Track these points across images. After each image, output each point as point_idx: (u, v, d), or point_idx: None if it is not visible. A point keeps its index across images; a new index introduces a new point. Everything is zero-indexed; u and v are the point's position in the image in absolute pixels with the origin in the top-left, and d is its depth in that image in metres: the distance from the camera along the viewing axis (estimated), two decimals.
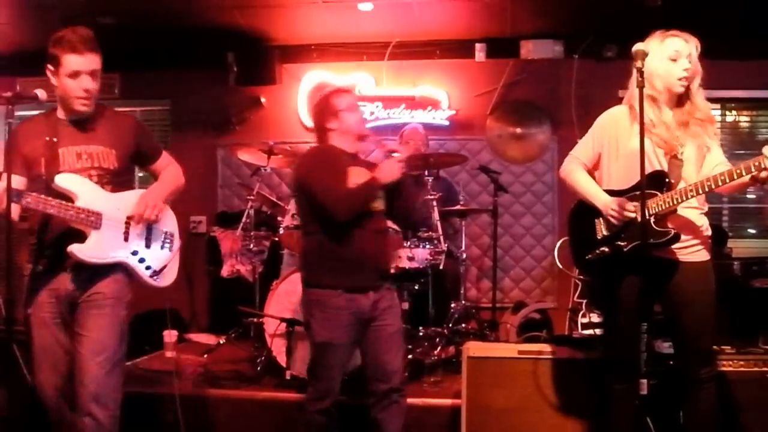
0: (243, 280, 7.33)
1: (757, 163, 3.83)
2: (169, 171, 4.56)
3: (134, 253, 4.21)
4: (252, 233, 6.98)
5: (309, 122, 9.20)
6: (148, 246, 4.28)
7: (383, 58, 8.97)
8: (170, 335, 7.25)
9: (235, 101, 9.30)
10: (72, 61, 3.98)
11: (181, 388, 5.66)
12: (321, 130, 4.89)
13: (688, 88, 4.24)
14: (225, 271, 7.40)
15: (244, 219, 7.03)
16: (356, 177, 4.62)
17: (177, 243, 4.49)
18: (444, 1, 7.90)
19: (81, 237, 4.03)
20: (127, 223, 4.18)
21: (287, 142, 8.49)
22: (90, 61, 4.02)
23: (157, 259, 4.33)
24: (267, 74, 9.12)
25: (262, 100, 9.32)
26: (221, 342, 7.08)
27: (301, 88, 9.25)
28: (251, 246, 6.96)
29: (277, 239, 6.90)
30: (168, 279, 4.42)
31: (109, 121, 4.27)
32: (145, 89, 9.49)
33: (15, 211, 3.89)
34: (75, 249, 3.97)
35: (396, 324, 4.74)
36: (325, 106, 4.85)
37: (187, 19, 8.21)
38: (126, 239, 4.17)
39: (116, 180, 4.20)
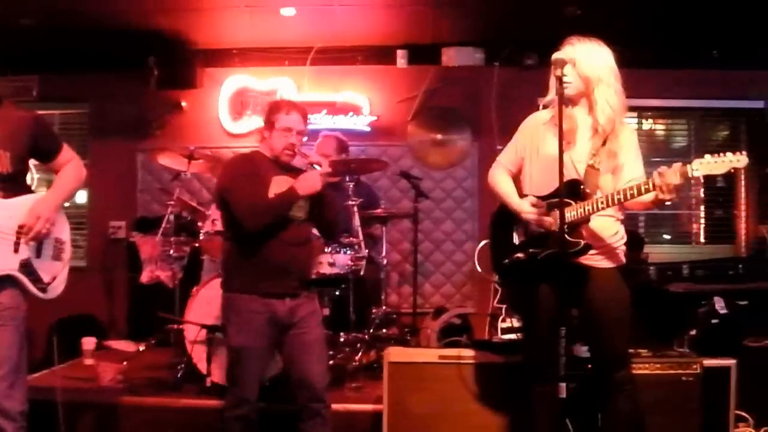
0: (163, 286, 7.26)
1: (647, 186, 3.92)
2: (67, 170, 4.42)
3: (24, 263, 4.06)
4: (172, 239, 6.91)
5: (230, 127, 9.16)
6: (38, 256, 4.15)
7: (305, 64, 8.96)
8: (89, 342, 7.16)
9: (156, 105, 9.20)
10: None
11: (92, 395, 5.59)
12: (262, 130, 4.93)
13: (588, 98, 4.30)
14: (144, 277, 7.32)
15: (164, 224, 6.96)
16: (277, 187, 4.62)
17: (68, 252, 4.38)
18: (366, 8, 7.93)
19: None
20: (18, 233, 4.04)
21: (208, 147, 8.45)
22: None
23: (47, 271, 4.20)
24: (188, 78, 9.04)
25: (183, 104, 9.24)
26: (141, 349, 7.02)
27: (222, 93, 9.20)
28: (171, 252, 6.89)
29: (197, 245, 6.85)
30: (56, 291, 4.28)
31: (5, 118, 4.09)
32: (64, 92, 9.34)
33: None
34: None
35: (316, 332, 4.74)
36: (269, 113, 4.85)
37: (108, 22, 8.11)
38: (16, 250, 4.03)
39: (9, 185, 4.05)
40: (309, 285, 4.82)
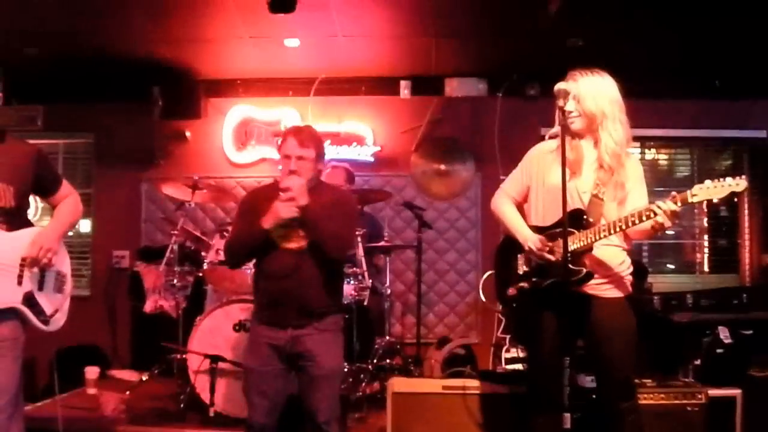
0: (166, 315, 7.27)
1: (648, 213, 3.93)
2: (67, 204, 4.42)
3: (27, 296, 4.06)
4: (176, 268, 6.92)
5: (234, 157, 9.18)
6: (41, 288, 4.15)
7: (309, 94, 8.99)
8: (92, 371, 7.15)
9: (160, 135, 9.23)
10: None
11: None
12: None
13: (593, 133, 4.32)
14: (148, 307, 7.33)
15: (167, 254, 6.98)
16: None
17: (69, 285, 4.38)
18: (369, 39, 7.97)
19: None
20: (22, 265, 4.04)
21: (212, 176, 8.48)
22: None
23: (50, 303, 4.20)
24: (192, 108, 9.07)
25: (187, 134, 9.27)
26: (144, 378, 6.99)
27: (226, 123, 9.23)
28: (175, 281, 6.90)
29: (201, 275, 6.85)
30: (58, 323, 4.28)
31: (8, 152, 4.08)
32: (69, 122, 9.38)
33: None
34: None
35: (325, 367, 4.62)
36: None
37: (113, 52, 8.16)
38: (19, 282, 4.03)
39: (12, 218, 4.06)
40: (319, 315, 4.66)
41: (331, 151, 8.84)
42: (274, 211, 4.48)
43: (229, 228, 6.03)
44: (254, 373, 4.67)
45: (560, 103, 3.93)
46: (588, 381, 5.06)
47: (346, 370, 6.44)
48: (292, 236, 4.59)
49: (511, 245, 4.48)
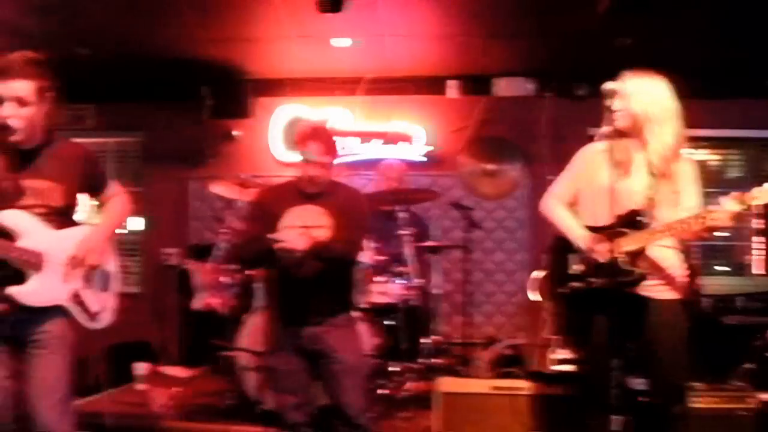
0: (215, 313, 7.30)
1: (704, 215, 3.89)
2: (115, 203, 4.44)
3: (74, 294, 4.08)
4: (225, 266, 6.95)
5: (281, 156, 9.22)
6: (87, 287, 4.17)
7: (357, 93, 9.01)
8: (141, 367, 7.21)
9: (209, 134, 9.30)
10: None
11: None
12: None
13: (641, 131, 4.28)
14: (197, 304, 7.35)
15: (216, 252, 7.02)
16: (291, 219, 4.63)
17: (116, 283, 4.40)
18: (417, 38, 7.97)
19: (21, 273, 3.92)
20: (69, 264, 4.06)
21: (260, 175, 8.49)
22: (12, 87, 3.80)
23: (96, 301, 4.22)
24: (241, 108, 9.13)
25: (235, 133, 9.33)
26: (193, 375, 7.03)
27: (274, 122, 9.28)
28: (224, 279, 6.93)
29: (249, 273, 6.88)
30: (104, 321, 4.29)
31: (59, 152, 4.10)
32: (118, 121, 9.50)
33: None
34: (15, 292, 3.85)
35: (348, 361, 4.66)
36: (297, 143, 4.88)
37: (163, 52, 8.22)
38: (66, 281, 4.05)
39: (60, 217, 4.08)
40: (332, 312, 4.72)
41: (380, 151, 8.85)
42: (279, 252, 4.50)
43: None
44: (279, 373, 4.73)
45: (608, 102, 3.91)
46: (638, 383, 5.02)
47: (393, 369, 6.46)
48: (304, 236, 4.61)
49: (563, 245, 4.45)
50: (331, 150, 4.75)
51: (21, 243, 3.88)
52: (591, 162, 4.43)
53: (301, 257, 4.48)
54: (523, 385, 5.29)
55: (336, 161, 4.83)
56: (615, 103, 4.12)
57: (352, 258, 4.84)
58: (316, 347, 4.62)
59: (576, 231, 4.36)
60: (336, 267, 4.62)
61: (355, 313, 5.01)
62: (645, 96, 4.22)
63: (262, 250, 4.59)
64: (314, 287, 4.60)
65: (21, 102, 3.82)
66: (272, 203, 4.74)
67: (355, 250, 4.83)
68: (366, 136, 8.99)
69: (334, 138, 4.91)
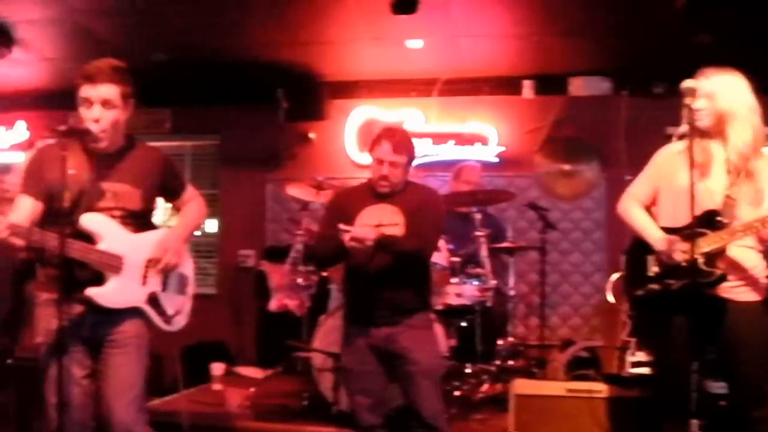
0: (291, 314, 7.34)
1: None
2: (191, 207, 4.50)
3: (151, 296, 4.15)
4: (300, 268, 6.99)
5: (357, 158, 9.25)
6: (164, 289, 4.23)
7: (432, 95, 9.01)
8: (218, 368, 7.29)
9: (285, 137, 9.38)
10: (84, 90, 3.90)
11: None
12: None
13: (722, 133, 4.20)
14: (273, 305, 7.42)
15: (292, 253, 7.07)
16: (366, 218, 4.62)
17: (191, 287, 4.45)
18: (492, 38, 7.94)
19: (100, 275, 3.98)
20: (147, 267, 4.12)
21: (336, 177, 8.53)
22: (100, 91, 3.89)
23: (172, 304, 4.28)
24: (316, 110, 9.19)
25: (311, 135, 9.39)
26: (268, 376, 7.07)
27: (349, 124, 9.31)
28: (299, 280, 6.96)
29: (325, 274, 6.91)
30: (180, 324, 4.36)
31: (138, 157, 4.18)
32: (195, 124, 9.63)
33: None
34: (93, 293, 3.91)
35: (421, 363, 4.61)
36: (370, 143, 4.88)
37: (238, 56, 8.32)
38: (144, 283, 4.11)
39: (138, 221, 4.14)
40: (408, 312, 4.67)
41: (455, 152, 8.83)
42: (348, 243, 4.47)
43: None
44: (353, 373, 4.72)
45: (688, 101, 3.84)
46: (717, 387, 4.93)
47: (468, 371, 6.43)
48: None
49: (641, 246, 4.38)
50: (403, 149, 4.71)
51: (101, 246, 3.94)
52: (669, 162, 4.36)
53: (371, 251, 4.47)
54: (599, 388, 5.23)
55: (412, 162, 4.81)
56: (698, 102, 4.05)
57: (426, 256, 4.81)
58: (391, 348, 4.60)
59: (653, 232, 4.30)
60: (408, 264, 4.59)
61: (431, 314, 4.98)
62: (729, 94, 4.15)
63: (335, 250, 4.62)
64: (389, 286, 4.58)
65: (107, 105, 3.90)
66: (346, 204, 4.75)
67: (429, 249, 4.80)
68: (440, 138, 8.97)
69: (410, 138, 4.88)
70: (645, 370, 6.12)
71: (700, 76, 4.16)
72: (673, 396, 4.13)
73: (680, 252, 4.09)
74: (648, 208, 4.49)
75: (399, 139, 4.72)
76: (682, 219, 4.15)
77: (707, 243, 4.03)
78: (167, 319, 4.26)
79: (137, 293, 4.10)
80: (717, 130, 4.20)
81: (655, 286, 4.27)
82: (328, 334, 6.04)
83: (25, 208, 3.87)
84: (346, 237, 4.41)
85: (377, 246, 4.44)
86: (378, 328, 4.60)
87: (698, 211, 4.00)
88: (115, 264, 3.97)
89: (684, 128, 4.15)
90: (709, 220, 4.06)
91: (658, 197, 4.43)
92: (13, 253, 3.79)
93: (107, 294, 3.96)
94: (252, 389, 6.77)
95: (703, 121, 4.17)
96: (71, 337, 3.91)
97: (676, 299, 4.15)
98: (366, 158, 8.89)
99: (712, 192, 4.14)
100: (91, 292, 3.91)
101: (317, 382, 6.02)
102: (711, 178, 4.17)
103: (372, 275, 4.59)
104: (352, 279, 4.78)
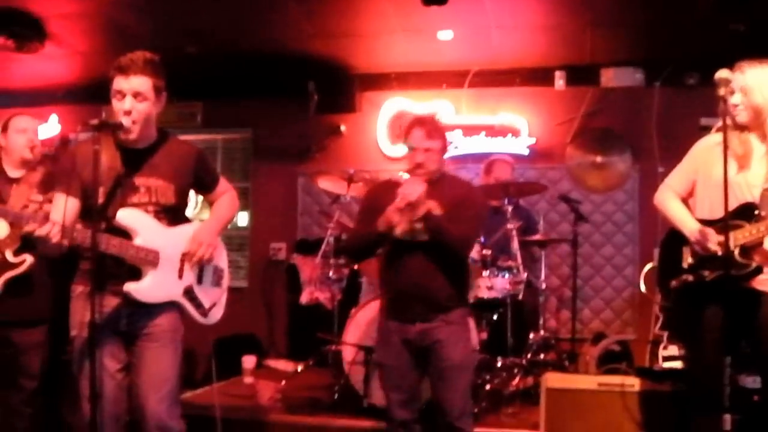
0: (322, 307, 7.35)
1: None
2: (224, 200, 4.51)
3: (187, 290, 4.17)
4: (331, 261, 7.00)
5: (388, 150, 9.24)
6: (200, 282, 4.26)
7: (463, 86, 8.97)
8: (249, 361, 7.31)
9: (316, 129, 9.38)
10: (116, 81, 3.91)
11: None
12: None
13: (761, 123, 4.16)
14: (304, 298, 7.43)
15: (323, 246, 7.08)
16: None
17: (226, 279, 4.47)
18: (523, 30, 7.89)
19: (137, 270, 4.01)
20: (182, 260, 4.14)
21: (367, 170, 8.54)
22: (133, 82, 3.89)
23: (208, 297, 4.31)
24: (347, 102, 9.19)
25: (342, 128, 9.39)
26: (299, 369, 7.08)
27: (380, 116, 9.31)
28: (330, 273, 6.98)
29: (356, 267, 6.91)
30: (216, 316, 4.38)
31: (171, 151, 4.18)
32: (227, 118, 9.65)
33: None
34: (132, 289, 3.93)
35: (453, 359, 4.59)
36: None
37: (269, 49, 8.32)
38: (180, 276, 4.14)
39: (172, 215, 4.16)
40: (446, 308, 4.64)
41: (486, 144, 8.80)
42: (387, 217, 4.48)
43: None
44: (387, 368, 4.72)
45: (721, 92, 3.80)
46: (750, 381, 4.89)
47: (499, 364, 6.41)
48: (414, 234, 4.56)
49: (676, 237, 4.35)
50: (436, 134, 4.69)
51: (137, 241, 3.96)
52: (707, 154, 4.32)
53: (416, 222, 4.46)
54: (631, 382, 5.20)
55: (445, 148, 4.79)
56: (734, 98, 4.02)
57: (465, 248, 4.78)
58: (424, 343, 4.59)
59: (689, 223, 4.27)
60: (446, 256, 4.56)
61: (468, 311, 4.95)
62: (765, 88, 4.11)
63: (370, 241, 4.65)
64: (426, 282, 4.57)
65: (139, 97, 3.91)
66: (381, 196, 4.71)
67: (469, 241, 4.78)
68: (471, 130, 8.93)
69: (441, 125, 4.87)
70: (677, 364, 6.09)
71: (734, 69, 4.13)
72: (706, 390, 4.10)
73: (715, 243, 4.06)
74: (685, 200, 4.46)
75: (431, 126, 4.71)
76: (719, 211, 4.10)
77: (743, 235, 4.00)
78: (204, 312, 4.28)
79: (174, 287, 4.13)
80: (755, 124, 4.17)
81: (689, 277, 4.24)
82: (358, 327, 6.04)
83: (63, 206, 3.88)
84: (398, 198, 4.41)
85: (423, 218, 4.42)
86: (413, 324, 4.59)
87: (736, 204, 3.98)
88: (151, 258, 3.99)
89: (721, 122, 4.12)
90: (746, 213, 4.04)
91: (695, 189, 4.40)
92: (56, 249, 3.82)
93: (145, 289, 3.99)
94: (283, 382, 6.81)
95: (740, 116, 4.14)
96: (106, 330, 3.94)
97: (710, 292, 4.11)
98: (397, 150, 8.94)
99: (751, 185, 4.11)
100: (130, 287, 3.94)
101: (348, 375, 6.02)
102: (750, 171, 4.14)
103: (404, 269, 4.59)
104: (389, 274, 4.74)
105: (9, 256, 4.89)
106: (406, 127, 4.79)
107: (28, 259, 4.92)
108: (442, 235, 4.49)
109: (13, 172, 5.10)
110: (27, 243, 4.75)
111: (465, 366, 4.73)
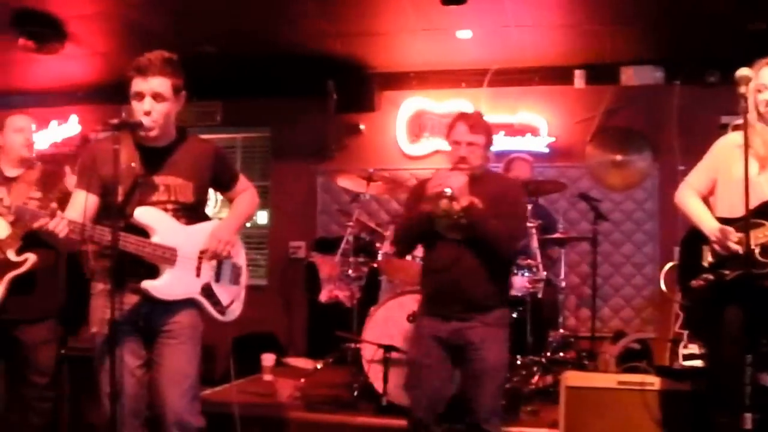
0: (341, 305, 7.36)
1: None
2: (243, 198, 4.51)
3: (205, 287, 4.19)
4: (351, 259, 7.00)
5: (408, 149, 9.25)
6: (218, 280, 4.27)
7: (482, 85, 8.96)
8: (268, 359, 7.33)
9: (335, 128, 9.40)
10: (135, 83, 3.91)
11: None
12: None
13: None
14: (323, 297, 7.44)
15: (343, 245, 7.08)
16: None
17: (245, 277, 4.48)
18: (542, 28, 7.88)
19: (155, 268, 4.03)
20: (200, 258, 4.15)
21: (386, 168, 8.55)
22: (152, 83, 3.89)
23: (226, 294, 4.31)
24: (366, 101, 9.19)
25: (362, 127, 9.40)
26: (318, 367, 7.09)
27: (400, 115, 9.32)
28: (350, 272, 6.98)
29: (375, 265, 6.92)
30: (234, 314, 4.39)
31: (190, 150, 4.19)
32: (246, 117, 9.68)
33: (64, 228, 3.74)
34: (149, 286, 3.95)
35: (488, 361, 4.55)
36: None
37: (288, 48, 8.35)
38: (198, 274, 4.15)
39: (191, 213, 4.17)
40: (485, 309, 4.59)
41: (506, 143, 8.78)
42: (430, 194, 4.45)
43: None
44: (416, 366, 4.69)
45: (742, 90, 3.79)
46: None
47: (519, 362, 6.40)
48: (456, 228, 4.54)
49: (697, 236, 4.33)
50: (480, 129, 4.66)
51: (154, 239, 3.98)
52: (727, 153, 4.31)
53: (458, 213, 4.42)
54: (651, 381, 5.19)
55: (490, 144, 4.77)
56: (759, 96, 4.01)
57: (509, 246, 4.71)
58: (459, 342, 4.57)
59: (709, 222, 4.26)
60: (486, 254, 4.52)
61: (507, 313, 4.88)
62: None
63: (415, 227, 4.65)
64: (465, 280, 4.53)
65: (159, 98, 3.91)
66: (421, 191, 4.68)
67: (512, 240, 4.71)
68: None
69: (485, 120, 4.84)
70: (697, 363, 6.07)
71: (755, 66, 4.11)
72: (727, 389, 4.08)
73: (735, 241, 4.04)
74: (706, 199, 4.45)
75: (474, 120, 4.69)
76: (740, 210, 4.09)
77: (764, 234, 3.98)
78: (222, 310, 4.29)
79: (192, 284, 4.14)
80: None
81: (709, 276, 4.22)
82: (378, 325, 6.05)
83: (81, 203, 3.90)
84: (433, 181, 4.45)
85: (466, 209, 4.39)
86: (448, 322, 4.57)
87: (757, 203, 3.97)
88: (169, 256, 4.01)
89: (741, 120, 4.11)
90: (767, 212, 4.01)
91: (715, 188, 4.39)
92: (70, 245, 3.85)
93: (163, 286, 4.01)
94: (302, 380, 6.81)
95: (762, 115, 4.12)
96: (126, 327, 3.96)
97: (730, 290, 4.10)
98: (416, 149, 8.94)
99: None
100: (147, 285, 3.95)
101: (367, 373, 6.03)
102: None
103: (443, 267, 4.57)
104: (429, 270, 4.73)
105: (11, 255, 4.93)
106: (450, 121, 4.79)
107: (31, 257, 4.96)
108: (485, 230, 4.46)
109: (10, 171, 5.13)
110: (29, 242, 4.84)
111: (499, 369, 4.68)
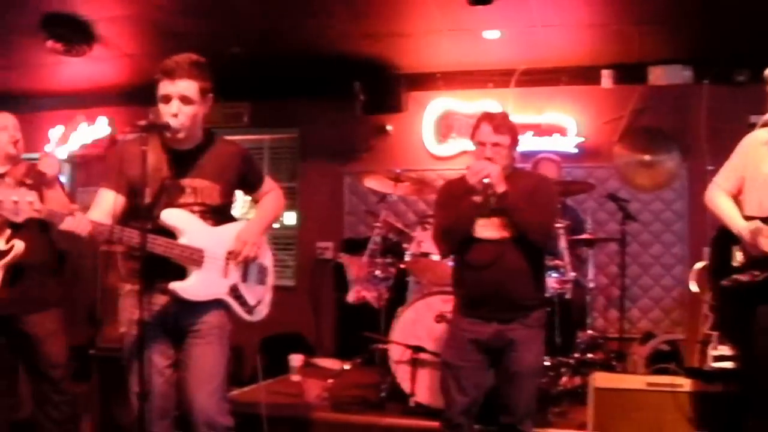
0: (369, 306, 7.37)
1: None
2: (269, 199, 4.53)
3: (232, 288, 4.21)
4: (378, 260, 7.01)
5: (435, 150, 9.25)
6: (244, 281, 4.29)
7: (509, 86, 8.94)
8: (296, 359, 7.35)
9: (362, 129, 9.42)
10: (163, 85, 3.93)
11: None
12: None
13: None
14: (351, 297, 7.45)
15: (370, 246, 7.09)
16: None
17: (271, 277, 4.50)
18: (569, 28, 7.85)
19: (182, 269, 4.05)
20: (227, 259, 4.17)
21: (413, 169, 8.55)
22: (179, 86, 3.91)
23: (253, 295, 4.34)
24: (393, 102, 9.19)
25: (389, 128, 9.41)
26: (346, 367, 7.10)
27: (427, 116, 9.31)
28: (378, 272, 6.98)
29: (403, 266, 6.91)
30: (261, 314, 4.42)
31: (216, 152, 4.21)
32: (274, 118, 9.71)
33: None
34: (177, 287, 3.98)
35: (524, 363, 4.55)
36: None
37: (315, 49, 8.36)
38: (225, 275, 4.17)
39: (218, 215, 4.19)
40: (526, 309, 4.60)
41: (533, 143, 8.76)
42: (475, 185, 4.44)
43: (431, 220, 6.10)
44: (453, 368, 4.66)
45: None
46: None
47: (547, 364, 6.38)
48: (492, 226, 4.54)
49: (727, 236, 4.31)
50: (505, 129, 4.65)
51: (182, 240, 4.01)
52: (755, 151, 4.30)
53: (493, 197, 4.45)
54: (680, 382, 5.17)
55: (516, 144, 4.78)
56: None
57: (544, 236, 4.72)
58: (499, 344, 4.56)
59: (738, 221, 4.23)
60: (523, 246, 4.53)
61: (545, 313, 4.86)
62: None
63: (462, 221, 4.60)
64: (503, 279, 4.52)
65: (186, 100, 3.93)
66: (458, 192, 4.68)
67: (546, 228, 4.74)
68: (519, 129, 8.90)
69: (511, 120, 4.83)
70: (728, 365, 6.02)
71: None
72: (759, 391, 4.06)
73: (765, 241, 4.02)
74: (735, 197, 4.42)
75: (499, 121, 4.68)
76: None
77: None
78: (249, 310, 4.33)
79: (219, 285, 4.16)
80: None
81: (740, 277, 4.20)
82: (406, 325, 6.05)
83: (107, 202, 3.93)
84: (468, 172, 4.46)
85: (501, 197, 4.41)
86: (489, 324, 4.56)
87: None
88: (196, 257, 4.03)
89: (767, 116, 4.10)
90: None
91: (743, 186, 4.36)
92: (97, 246, 3.87)
93: (190, 288, 4.03)
94: (330, 380, 6.81)
95: None
96: (154, 327, 3.99)
97: (761, 290, 4.08)
98: (443, 150, 8.94)
99: None
100: (175, 286, 3.98)
101: (395, 373, 6.03)
102: None
103: (482, 266, 4.55)
104: (468, 271, 4.69)
105: (1, 244, 4.91)
106: (475, 122, 4.79)
107: (17, 244, 4.91)
108: (521, 218, 4.47)
109: None
110: (14, 230, 4.83)
111: (536, 370, 4.75)
